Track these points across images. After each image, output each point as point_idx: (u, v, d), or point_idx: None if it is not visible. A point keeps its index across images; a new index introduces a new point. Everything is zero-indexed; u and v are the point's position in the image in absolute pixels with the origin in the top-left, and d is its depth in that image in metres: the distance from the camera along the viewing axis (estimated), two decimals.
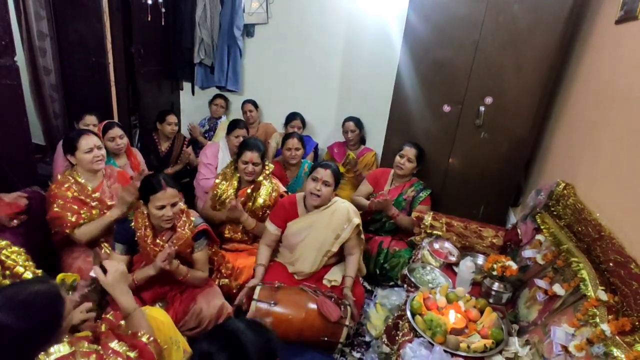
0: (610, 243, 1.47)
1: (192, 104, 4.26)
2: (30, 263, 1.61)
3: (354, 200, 2.75)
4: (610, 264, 1.43)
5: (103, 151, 2.15)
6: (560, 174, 2.16)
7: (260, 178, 2.44)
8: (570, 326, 1.40)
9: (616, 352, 1.18)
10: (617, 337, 1.21)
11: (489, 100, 2.61)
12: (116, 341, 1.16)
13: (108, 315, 1.37)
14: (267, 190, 2.44)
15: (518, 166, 2.74)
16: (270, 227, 2.23)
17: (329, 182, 2.11)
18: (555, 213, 2.00)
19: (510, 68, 2.51)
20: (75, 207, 2.03)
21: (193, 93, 4.24)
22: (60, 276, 1.55)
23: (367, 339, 2.14)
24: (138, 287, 1.85)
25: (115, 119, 3.36)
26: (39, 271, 1.61)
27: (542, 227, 1.99)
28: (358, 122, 3.44)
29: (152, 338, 1.29)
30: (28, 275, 1.52)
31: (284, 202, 2.29)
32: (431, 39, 2.61)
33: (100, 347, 1.13)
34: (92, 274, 1.32)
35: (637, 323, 1.21)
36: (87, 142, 2.08)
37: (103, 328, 1.27)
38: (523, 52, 2.45)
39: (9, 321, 0.98)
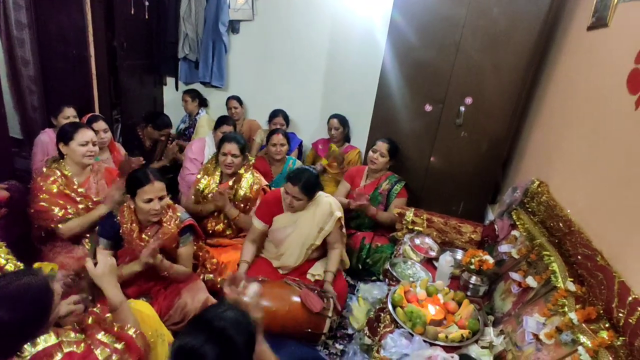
0: (579, 237, 1.56)
1: (176, 99, 4.21)
2: (12, 256, 1.59)
3: None
4: (579, 257, 1.51)
5: (97, 148, 2.15)
6: (535, 172, 2.25)
7: (242, 171, 2.47)
8: (542, 316, 1.48)
9: (583, 338, 1.26)
10: (583, 325, 1.29)
11: (468, 100, 2.69)
12: (102, 332, 1.16)
13: (95, 308, 1.37)
14: (248, 182, 2.48)
15: (496, 164, 2.84)
16: (257, 223, 2.25)
17: (299, 197, 2.11)
18: (529, 209, 2.08)
19: (489, 69, 2.59)
20: (62, 201, 2.01)
21: (177, 88, 4.20)
22: (36, 265, 1.53)
23: (350, 331, 2.19)
24: (122, 282, 1.84)
25: (97, 113, 3.31)
26: (20, 264, 1.59)
27: (517, 223, 2.08)
28: (342, 120, 3.49)
29: (138, 332, 1.30)
30: (10, 267, 1.50)
31: (268, 198, 2.31)
32: (414, 39, 2.66)
33: (86, 337, 1.13)
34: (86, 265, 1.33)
35: (601, 311, 1.30)
36: (85, 135, 2.08)
37: (90, 320, 1.27)
38: (501, 54, 2.54)
39: None
